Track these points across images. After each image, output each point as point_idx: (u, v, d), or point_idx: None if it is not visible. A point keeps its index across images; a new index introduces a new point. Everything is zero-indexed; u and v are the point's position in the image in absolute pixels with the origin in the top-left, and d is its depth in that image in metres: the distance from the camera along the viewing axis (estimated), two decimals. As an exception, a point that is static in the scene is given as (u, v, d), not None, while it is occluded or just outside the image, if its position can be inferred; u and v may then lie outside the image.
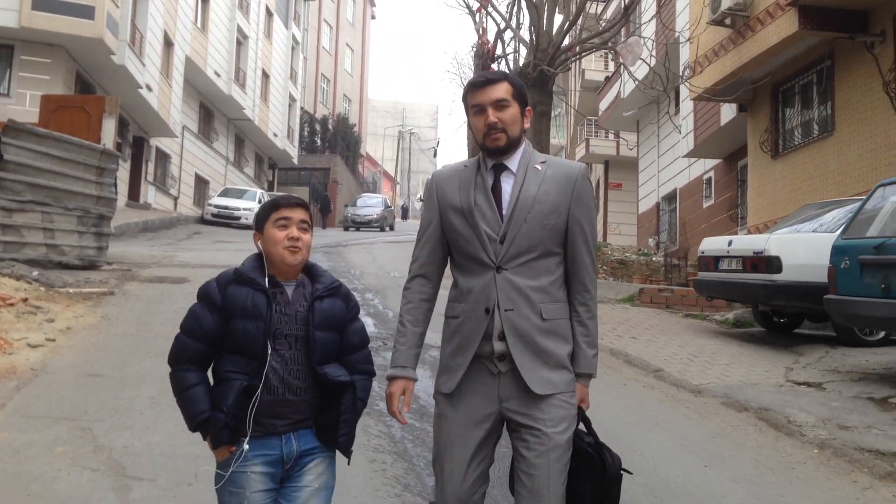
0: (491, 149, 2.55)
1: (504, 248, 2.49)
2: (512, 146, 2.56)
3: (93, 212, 11.39)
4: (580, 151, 33.09)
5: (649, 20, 19.81)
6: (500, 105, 2.54)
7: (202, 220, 28.40)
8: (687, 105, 20.53)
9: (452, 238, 2.61)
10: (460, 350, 2.53)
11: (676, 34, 18.24)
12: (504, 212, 2.52)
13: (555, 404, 2.47)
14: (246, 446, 2.42)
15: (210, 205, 28.89)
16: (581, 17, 13.64)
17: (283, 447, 2.49)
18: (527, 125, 2.61)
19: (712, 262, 9.08)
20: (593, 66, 32.08)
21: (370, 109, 68.39)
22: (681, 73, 17.94)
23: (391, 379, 2.59)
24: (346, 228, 34.56)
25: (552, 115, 40.16)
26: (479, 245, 2.52)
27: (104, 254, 11.82)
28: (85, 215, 11.24)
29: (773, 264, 8.01)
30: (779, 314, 9.32)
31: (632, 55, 12.69)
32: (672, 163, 23.67)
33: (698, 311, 11.28)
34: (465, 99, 2.66)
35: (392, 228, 36.56)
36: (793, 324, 9.40)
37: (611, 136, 32.85)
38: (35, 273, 9.59)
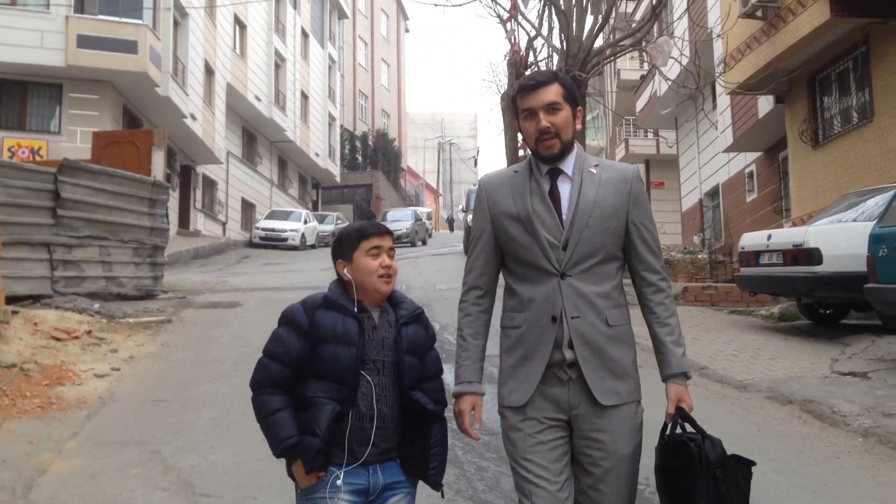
0: (545, 156, 2.50)
1: (567, 254, 2.44)
2: (566, 150, 2.50)
3: (147, 243, 11.83)
4: (620, 152, 33.06)
5: (679, 18, 19.79)
6: (551, 108, 2.48)
7: (250, 244, 28.97)
8: (724, 100, 20.45)
9: (509, 247, 2.54)
10: (525, 361, 2.47)
11: (708, 29, 18.19)
12: (564, 217, 2.47)
13: (621, 416, 2.44)
14: (340, 473, 2.40)
15: (257, 228, 29.48)
16: (611, 19, 13.73)
17: (370, 478, 2.46)
18: (578, 126, 2.54)
19: (753, 257, 9.14)
20: (628, 66, 32.04)
21: (409, 122, 68.92)
22: (714, 69, 17.94)
23: (459, 396, 2.54)
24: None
25: (590, 117, 40.19)
26: (541, 252, 2.46)
27: (160, 283, 12.25)
28: (140, 247, 11.69)
29: (813, 256, 8.07)
30: (824, 306, 9.33)
31: (662, 55, 12.78)
32: (712, 158, 23.58)
33: (744, 307, 11.30)
34: (513, 102, 2.59)
35: (424, 243, 33.87)
36: (839, 315, 9.40)
37: (650, 135, 32.76)
38: (96, 305, 10.01)
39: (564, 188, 2.50)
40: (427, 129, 75.38)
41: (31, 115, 21.39)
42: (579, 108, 2.56)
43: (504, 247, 2.56)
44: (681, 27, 21.61)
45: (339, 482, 2.39)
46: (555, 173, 2.51)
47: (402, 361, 2.47)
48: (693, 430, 2.46)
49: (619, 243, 2.51)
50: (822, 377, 6.82)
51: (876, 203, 8.25)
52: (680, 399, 2.48)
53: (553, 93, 2.47)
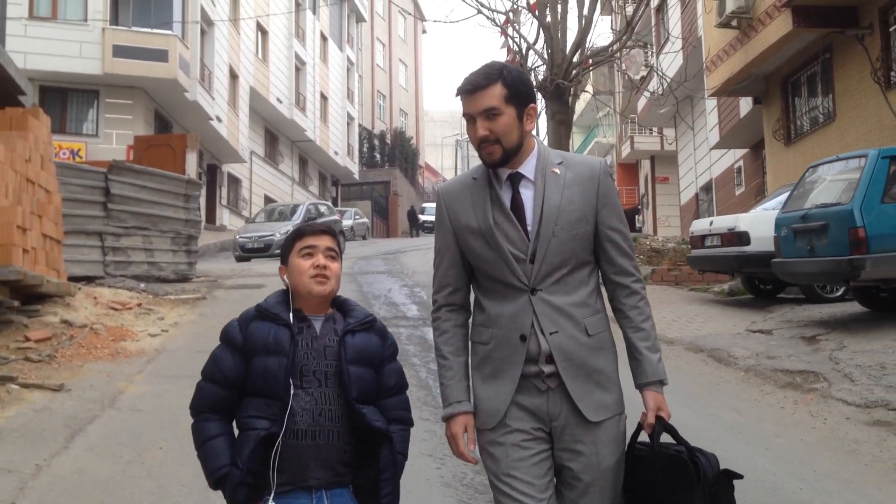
0: (487, 163, 2.32)
1: (535, 267, 2.28)
2: (509, 156, 2.30)
3: (183, 233, 13.53)
4: (626, 149, 34.51)
5: (644, 35, 21.26)
6: (490, 114, 2.28)
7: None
8: (712, 101, 21.90)
9: (474, 261, 2.38)
10: (494, 378, 2.32)
11: (675, 38, 19.68)
12: (529, 228, 2.30)
13: (606, 428, 2.30)
14: (269, 499, 2.22)
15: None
16: (591, 33, 15.30)
17: None
18: (530, 126, 2.34)
19: (700, 240, 10.69)
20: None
21: (428, 121, 70.35)
22: (700, 73, 19.42)
23: (449, 418, 2.37)
24: (239, 260, 21.54)
25: (601, 114, 41.55)
26: (506, 268, 2.29)
27: (194, 268, 13.95)
28: (177, 236, 13.39)
29: (742, 238, 9.63)
30: (764, 281, 10.84)
31: (635, 65, 14.29)
32: (706, 155, 24.99)
33: (703, 286, 12.81)
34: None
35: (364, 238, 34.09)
36: (777, 290, 10.91)
37: (655, 132, 34.14)
38: (142, 285, 11.72)
39: (527, 195, 2.33)
40: (446, 126, 76.64)
41: (71, 119, 23.07)
42: (531, 104, 2.34)
43: (470, 261, 2.40)
44: (675, 33, 23.13)
45: None
46: (516, 178, 2.34)
47: (345, 371, 2.29)
48: (675, 442, 2.33)
49: (589, 248, 2.36)
50: (735, 334, 8.38)
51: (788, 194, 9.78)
52: (659, 408, 2.33)
53: (491, 97, 2.27)
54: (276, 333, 2.30)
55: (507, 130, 2.28)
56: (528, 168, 2.35)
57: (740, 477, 2.33)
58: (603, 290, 2.44)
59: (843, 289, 9.38)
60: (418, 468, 4.35)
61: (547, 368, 2.28)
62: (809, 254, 7.90)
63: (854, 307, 8.81)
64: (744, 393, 6.38)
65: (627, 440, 2.39)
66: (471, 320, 2.47)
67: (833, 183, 8.21)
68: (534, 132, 2.45)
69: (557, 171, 2.34)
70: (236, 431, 2.34)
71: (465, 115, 2.35)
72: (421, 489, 4.16)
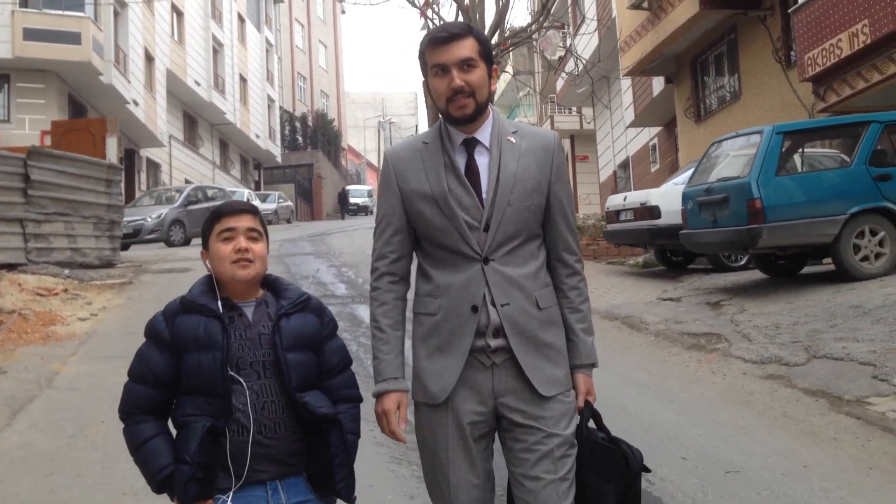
0: (457, 117, 2.21)
1: (489, 236, 2.20)
2: (480, 112, 2.22)
3: (105, 218, 13.43)
4: (546, 128, 35.09)
5: (561, 16, 21.78)
6: (466, 65, 2.18)
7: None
8: (626, 81, 22.61)
9: (423, 229, 2.28)
10: (441, 352, 2.23)
11: (590, 20, 20.26)
12: (484, 195, 2.22)
13: (557, 400, 2.22)
14: (227, 498, 2.13)
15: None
16: (508, 14, 15.71)
17: (269, 499, 2.17)
18: (494, 87, 2.29)
19: (615, 215, 11.23)
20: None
21: (350, 102, 70.00)
22: (615, 53, 20.05)
23: (382, 394, 2.26)
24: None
25: (521, 94, 42.13)
26: (459, 236, 2.21)
27: (118, 254, 13.86)
28: (99, 221, 13.29)
29: (653, 212, 10.18)
30: (675, 253, 11.45)
31: (551, 46, 14.74)
32: (623, 133, 25.76)
33: (620, 259, 13.41)
34: (422, 57, 2.29)
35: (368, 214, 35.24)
36: (688, 261, 11.54)
37: (574, 112, 34.87)
38: (66, 272, 11.65)
39: (482, 161, 2.25)
40: (368, 108, 76.40)
41: (-20, 105, 22.49)
42: (494, 66, 2.29)
43: (417, 228, 2.30)
44: (591, 13, 23.75)
45: (225, 500, 2.13)
46: (471, 144, 2.26)
47: (282, 359, 2.18)
48: (598, 427, 2.33)
49: (540, 220, 2.29)
50: (647, 302, 8.91)
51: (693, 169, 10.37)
52: (588, 391, 2.32)
53: (468, 47, 2.19)
54: (206, 326, 2.17)
55: (481, 84, 2.20)
56: (483, 134, 2.27)
57: (649, 471, 2.35)
58: None
59: (745, 258, 10.02)
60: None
61: (494, 342, 2.20)
62: (713, 225, 8.47)
63: (756, 275, 9.45)
64: (653, 355, 6.88)
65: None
66: (413, 291, 2.36)
67: (733, 158, 8.79)
68: None
69: (513, 139, 2.27)
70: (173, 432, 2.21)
71: (435, 65, 2.21)
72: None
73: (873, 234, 7.92)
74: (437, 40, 2.22)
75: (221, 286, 2.25)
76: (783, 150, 8.25)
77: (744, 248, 8.50)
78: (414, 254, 2.40)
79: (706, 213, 8.59)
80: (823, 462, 4.29)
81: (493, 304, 2.20)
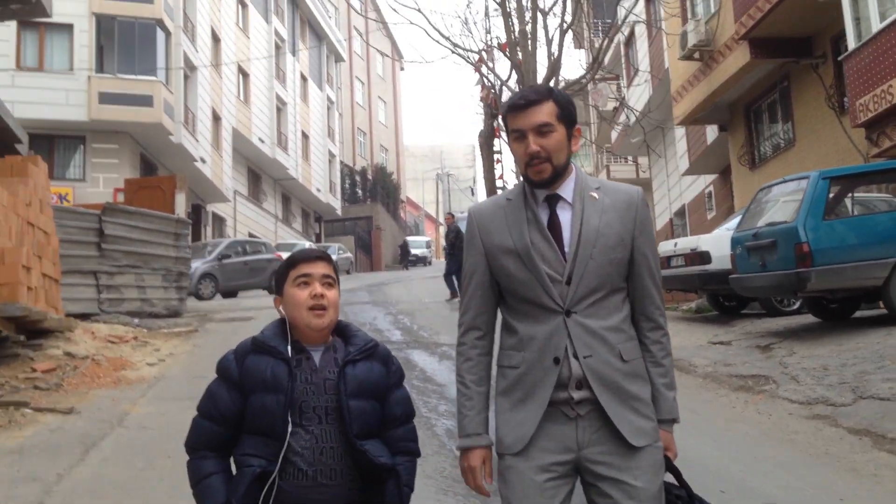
0: (535, 181, 2.28)
1: (571, 289, 2.22)
2: (558, 175, 2.27)
3: (173, 270, 14.05)
4: (602, 177, 35.34)
5: (614, 67, 21.99)
6: (542, 131, 2.25)
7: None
8: (680, 130, 22.74)
9: (506, 283, 2.32)
10: (522, 403, 2.25)
11: (643, 72, 20.50)
12: (566, 249, 2.25)
13: (646, 455, 2.22)
14: None
15: None
16: (559, 69, 16.07)
17: None
18: (576, 147, 2.33)
19: (666, 260, 11.33)
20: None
21: (409, 155, 71.16)
22: (668, 103, 20.27)
23: (467, 450, 2.31)
24: None
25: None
26: (541, 289, 2.24)
27: (184, 304, 14.46)
28: (168, 273, 13.91)
29: (704, 258, 10.29)
30: (728, 298, 11.47)
31: (602, 98, 15.03)
32: (678, 182, 25.80)
33: (673, 304, 13.45)
34: (504, 120, 2.37)
35: (429, 264, 35.96)
36: (741, 306, 11.55)
37: (630, 161, 35.03)
38: (136, 321, 12.22)
39: (565, 216, 2.29)
40: (427, 160, 77.44)
41: (58, 165, 23.46)
42: (577, 126, 2.35)
43: (501, 283, 2.34)
44: (644, 65, 24.09)
45: None
46: (553, 200, 2.30)
47: (345, 406, 2.20)
48: (677, 484, 2.32)
49: (623, 274, 2.31)
50: (697, 346, 8.98)
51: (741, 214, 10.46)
52: (667, 447, 2.31)
53: (545, 113, 2.25)
54: (273, 368, 2.21)
55: (558, 148, 2.25)
56: (566, 190, 2.30)
57: None
58: None
59: (798, 302, 10.03)
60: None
61: (577, 394, 2.21)
62: (762, 269, 8.56)
63: (807, 318, 9.46)
64: (700, 396, 6.97)
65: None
66: (497, 345, 2.39)
67: (781, 203, 8.90)
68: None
69: (596, 195, 2.30)
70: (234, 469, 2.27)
71: (514, 130, 2.29)
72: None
73: (924, 276, 7.92)
74: (515, 107, 2.29)
75: (293, 330, 2.29)
76: (831, 194, 8.33)
77: (792, 291, 8.55)
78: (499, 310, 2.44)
79: (755, 257, 8.68)
80: (860, 496, 4.37)
81: (576, 357, 2.21)
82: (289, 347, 2.25)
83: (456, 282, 16.23)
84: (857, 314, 9.29)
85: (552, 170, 2.25)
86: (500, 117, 16.92)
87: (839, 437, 5.44)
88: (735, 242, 9.15)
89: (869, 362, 6.81)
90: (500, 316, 2.43)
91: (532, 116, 2.24)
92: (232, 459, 2.28)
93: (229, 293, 21.95)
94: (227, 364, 2.28)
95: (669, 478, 2.29)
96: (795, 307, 10.19)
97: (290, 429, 2.16)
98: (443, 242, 64.07)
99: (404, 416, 2.37)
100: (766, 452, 5.26)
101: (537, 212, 2.29)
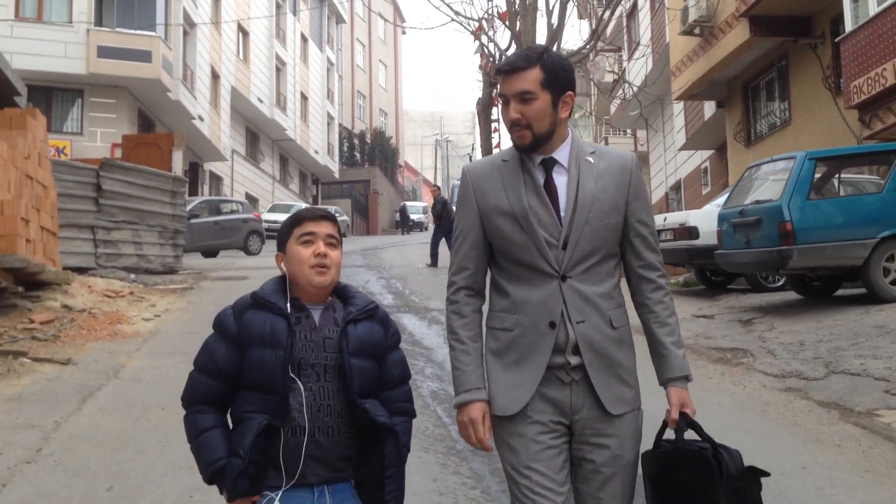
0: (518, 146, 2.29)
1: (567, 254, 2.23)
2: (540, 142, 2.26)
3: (169, 227, 14.19)
4: (600, 148, 35.37)
5: (616, 39, 21.94)
6: (524, 98, 2.24)
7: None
8: (679, 104, 22.81)
9: (501, 245, 2.31)
10: (518, 365, 2.26)
11: (644, 46, 20.53)
12: (562, 213, 2.26)
13: (626, 421, 2.27)
14: (276, 497, 2.16)
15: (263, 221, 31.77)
16: (559, 40, 16.11)
17: (314, 502, 2.19)
18: (565, 113, 2.28)
19: (655, 235, 11.50)
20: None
21: (408, 121, 70.96)
22: (667, 77, 20.32)
23: (466, 404, 2.29)
24: None
25: (578, 115, 42.48)
26: (538, 252, 2.24)
27: (180, 261, 14.62)
28: (164, 230, 14.06)
29: (692, 233, 10.48)
30: (715, 273, 11.68)
31: (599, 71, 15.10)
32: (675, 156, 25.91)
33: (662, 278, 13.63)
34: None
35: (424, 230, 36.75)
36: (727, 281, 11.76)
37: (629, 134, 35.07)
38: (132, 276, 12.38)
39: (560, 180, 2.29)
40: (426, 126, 77.21)
41: (56, 118, 23.44)
42: (569, 92, 2.30)
43: (495, 244, 2.34)
44: (646, 38, 24.08)
45: (273, 498, 2.16)
46: (549, 164, 2.30)
47: (347, 364, 2.22)
48: (700, 438, 2.30)
49: (618, 239, 2.32)
50: (681, 318, 8.98)
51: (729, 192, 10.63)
52: (683, 404, 2.30)
53: (528, 80, 2.23)
54: (272, 324, 2.21)
55: (538, 116, 2.24)
56: (561, 154, 2.30)
57: (767, 475, 2.30)
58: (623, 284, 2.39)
59: (782, 279, 10.23)
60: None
61: (573, 360, 2.23)
62: (746, 245, 8.75)
63: (790, 295, 9.66)
64: (680, 367, 7.18)
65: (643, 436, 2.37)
66: (487, 306, 2.39)
67: (767, 182, 9.07)
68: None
69: (591, 159, 2.30)
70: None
71: (501, 95, 2.31)
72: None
73: (903, 258, 8.13)
74: (500, 71, 2.31)
75: (294, 288, 2.29)
76: (817, 175, 8.49)
77: (775, 268, 8.75)
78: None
79: (740, 234, 8.87)
80: (822, 464, 4.59)
81: (570, 321, 2.23)
82: (287, 304, 2.26)
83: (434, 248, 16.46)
84: (839, 292, 9.51)
85: (532, 137, 2.25)
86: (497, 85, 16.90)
87: (808, 409, 5.65)
88: (722, 219, 9.33)
89: (844, 339, 7.02)
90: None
91: (515, 83, 2.24)
92: (229, 416, 2.28)
93: (204, 254, 21.22)
94: (225, 319, 2.27)
95: (692, 434, 2.29)
96: (779, 284, 10.40)
97: (299, 385, 2.18)
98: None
99: (400, 378, 2.38)
100: (737, 422, 5.48)
101: (535, 174, 2.29)
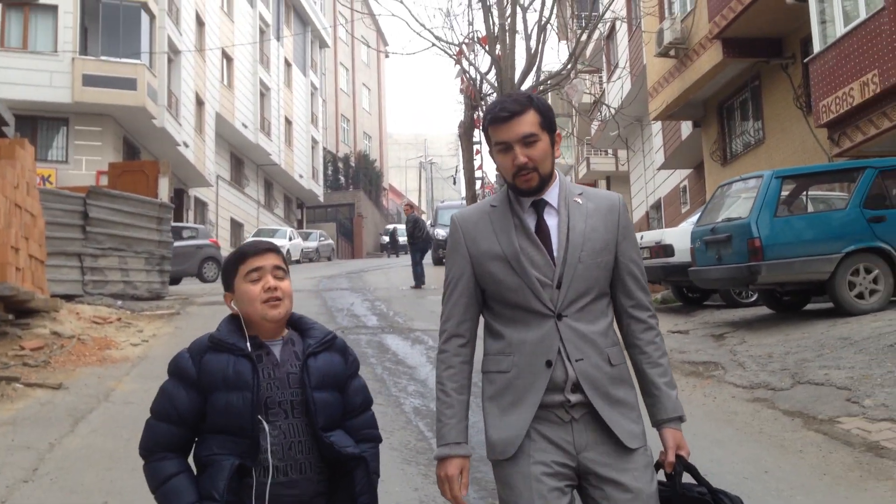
0: (524, 190, 2.30)
1: (562, 293, 2.25)
2: (544, 183, 2.30)
3: (156, 253, 14.38)
4: (583, 169, 35.84)
5: (576, 71, 22.35)
6: (528, 141, 2.26)
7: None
8: (657, 125, 23.23)
9: (494, 290, 2.32)
10: (514, 407, 2.25)
11: (621, 69, 20.97)
12: (555, 253, 2.27)
13: (639, 454, 2.24)
14: None
15: None
16: (537, 63, 16.49)
17: None
18: (558, 154, 2.35)
19: (632, 253, 11.80)
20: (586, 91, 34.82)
21: (392, 143, 71.36)
22: (644, 98, 20.74)
23: (444, 458, 2.27)
24: None
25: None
26: (532, 293, 2.25)
27: (166, 287, 14.79)
28: (150, 257, 14.24)
29: (667, 251, 10.78)
30: (692, 290, 11.97)
31: (577, 94, 15.47)
32: (655, 175, 26.32)
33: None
34: (485, 131, 2.37)
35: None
36: (703, 298, 12.06)
37: (610, 154, 35.52)
38: (119, 303, 12.55)
39: (552, 221, 2.31)
40: (411, 148, 77.49)
41: (41, 147, 23.49)
42: (557, 132, 2.36)
43: (488, 290, 2.35)
44: (624, 60, 24.55)
45: None
46: (539, 205, 2.33)
47: (311, 399, 2.20)
48: (696, 482, 2.31)
49: (609, 278, 2.34)
50: (656, 334, 9.44)
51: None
52: (678, 446, 2.30)
53: (528, 123, 2.26)
54: (235, 366, 2.17)
55: (543, 157, 2.27)
56: (551, 196, 2.33)
57: None
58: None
59: (755, 295, 10.54)
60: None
61: (573, 398, 2.21)
62: (718, 262, 9.06)
63: (762, 310, 9.97)
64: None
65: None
66: (483, 351, 2.38)
67: (738, 199, 9.39)
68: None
69: (579, 200, 2.33)
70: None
71: (498, 143, 2.29)
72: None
73: (868, 272, 8.43)
74: (498, 119, 2.28)
75: (249, 326, 2.24)
76: (784, 192, 8.81)
77: (745, 284, 9.05)
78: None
79: (712, 251, 9.17)
80: (784, 469, 4.84)
81: (569, 360, 2.21)
82: (248, 344, 2.21)
83: (416, 268, 16.65)
84: (809, 307, 9.81)
85: (539, 178, 2.28)
86: (480, 115, 17.27)
87: (774, 417, 5.91)
88: (694, 237, 9.65)
89: (810, 351, 7.30)
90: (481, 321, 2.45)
91: (517, 128, 2.25)
92: (192, 460, 2.24)
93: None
94: (183, 363, 2.24)
95: (688, 478, 2.30)
96: (752, 299, 10.70)
97: (266, 427, 2.15)
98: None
99: (363, 405, 2.39)
100: (706, 431, 5.72)
101: (524, 217, 2.31)
